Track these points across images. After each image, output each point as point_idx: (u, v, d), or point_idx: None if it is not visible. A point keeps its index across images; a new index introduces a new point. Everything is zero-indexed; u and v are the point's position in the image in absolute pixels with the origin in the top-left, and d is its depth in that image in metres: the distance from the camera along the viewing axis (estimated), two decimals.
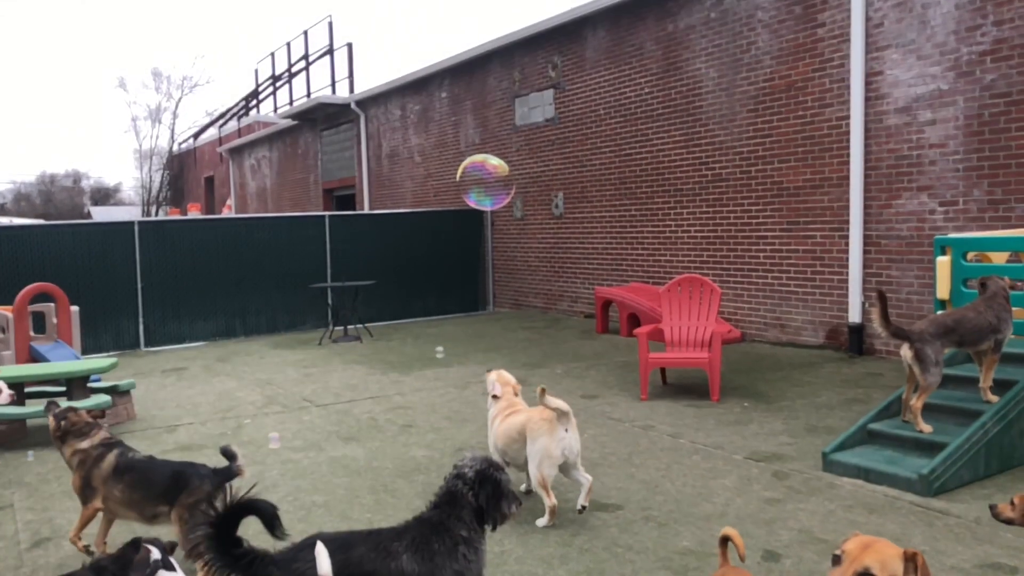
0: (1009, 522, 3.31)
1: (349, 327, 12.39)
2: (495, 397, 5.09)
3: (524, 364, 9.40)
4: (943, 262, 6.32)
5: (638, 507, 4.76)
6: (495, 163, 8.25)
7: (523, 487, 5.02)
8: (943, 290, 6.25)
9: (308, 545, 2.80)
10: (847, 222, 9.04)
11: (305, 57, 23.18)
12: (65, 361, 8.29)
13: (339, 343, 11.69)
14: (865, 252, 8.87)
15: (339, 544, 2.79)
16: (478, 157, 8.44)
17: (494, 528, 3.12)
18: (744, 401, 7.16)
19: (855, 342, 8.90)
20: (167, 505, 4.00)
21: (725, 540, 2.80)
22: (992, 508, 3.31)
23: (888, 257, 8.68)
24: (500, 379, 5.18)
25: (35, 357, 8.95)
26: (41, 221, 21.36)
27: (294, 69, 24.15)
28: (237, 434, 6.77)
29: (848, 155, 8.98)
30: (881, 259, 8.74)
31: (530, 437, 4.55)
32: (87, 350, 11.08)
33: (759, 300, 10.17)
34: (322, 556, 2.56)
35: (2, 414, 6.48)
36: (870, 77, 8.74)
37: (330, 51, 21.77)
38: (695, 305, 7.84)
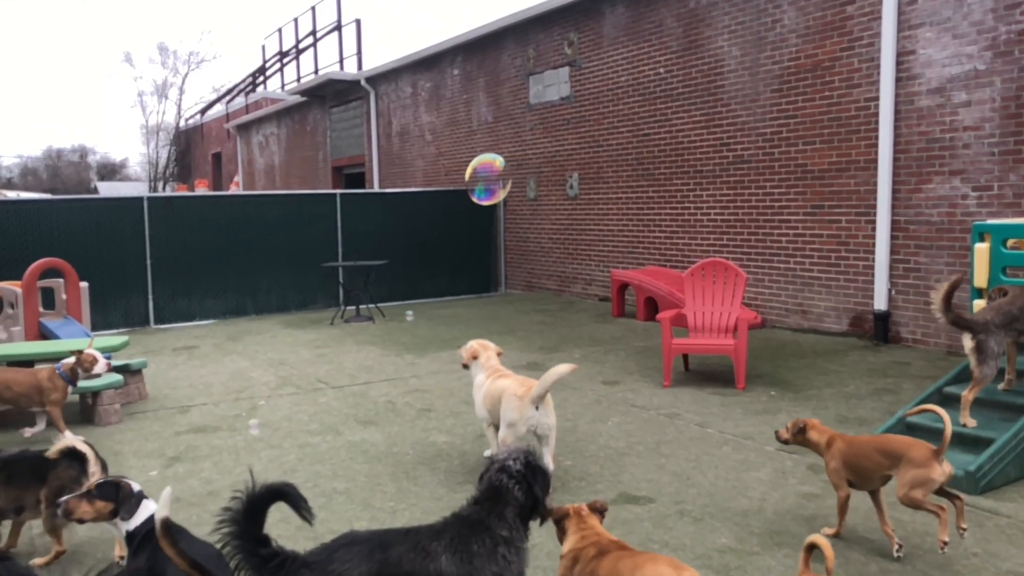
0: (786, 443, 4.22)
1: (361, 307, 12.22)
2: (465, 367, 5.31)
3: (540, 348, 9.22)
4: (981, 249, 6.11)
5: (671, 500, 4.60)
6: (501, 164, 8.44)
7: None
8: (981, 278, 6.05)
9: (342, 545, 2.64)
10: (874, 206, 8.82)
11: (313, 33, 22.88)
12: (75, 339, 8.14)
13: (351, 323, 11.52)
14: (892, 237, 8.65)
15: (376, 544, 2.63)
16: (486, 158, 8.55)
17: (543, 522, 2.98)
18: (771, 390, 6.99)
19: (880, 330, 8.70)
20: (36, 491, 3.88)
21: (811, 548, 2.60)
22: (776, 433, 4.29)
23: (916, 243, 8.46)
24: (481, 345, 5.28)
25: (44, 333, 8.81)
26: (49, 196, 21.18)
27: (302, 45, 23.86)
28: (252, 415, 6.61)
29: (876, 137, 8.73)
30: (909, 245, 8.52)
31: (503, 406, 4.73)
32: (96, 327, 10.94)
33: (780, 285, 9.96)
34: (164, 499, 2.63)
35: None
36: (901, 56, 8.48)
37: (338, 27, 21.48)
38: (719, 290, 7.65)
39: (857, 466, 3.93)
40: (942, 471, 3.70)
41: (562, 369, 4.54)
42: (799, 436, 4.15)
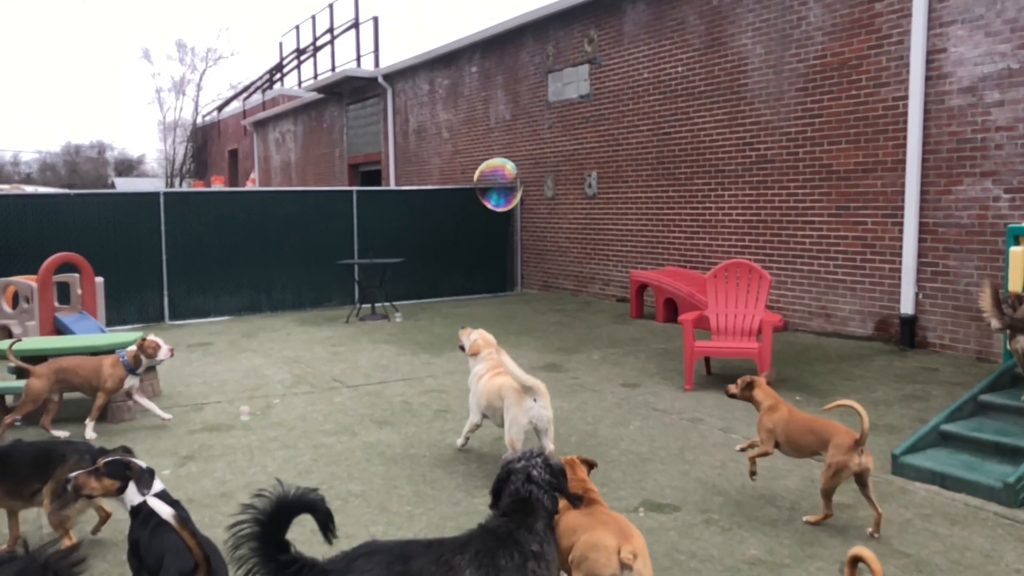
0: (733, 396, 4.66)
1: (376, 305, 12.12)
2: (468, 353, 5.43)
3: (558, 349, 9.09)
4: (1017, 252, 5.93)
5: (696, 509, 4.45)
6: (511, 168, 8.46)
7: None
8: (1016, 282, 5.87)
9: (362, 554, 2.52)
10: (901, 208, 8.62)
11: (330, 30, 22.80)
12: (90, 334, 8.08)
13: (366, 321, 11.42)
14: (920, 240, 8.45)
15: (397, 555, 2.51)
16: (496, 162, 8.57)
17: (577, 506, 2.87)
18: (795, 395, 6.81)
19: (907, 334, 8.50)
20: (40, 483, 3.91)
21: (855, 561, 2.46)
22: (726, 388, 4.74)
23: (945, 246, 8.25)
24: (483, 339, 5.40)
25: (60, 328, 8.76)
26: (66, 190, 21.24)
27: (319, 43, 23.80)
28: (267, 414, 6.52)
29: (905, 137, 8.53)
30: (938, 248, 8.32)
31: (504, 402, 4.82)
32: (111, 322, 10.91)
33: (804, 288, 9.77)
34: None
35: (10, 388, 6.25)
36: (932, 55, 8.27)
37: (355, 24, 21.38)
38: (743, 292, 7.49)
39: (790, 436, 4.33)
40: (859, 461, 3.98)
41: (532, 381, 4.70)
42: (746, 391, 4.59)
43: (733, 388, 4.67)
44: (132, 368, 5.97)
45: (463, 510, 4.46)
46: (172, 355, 6.21)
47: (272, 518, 2.46)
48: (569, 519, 2.93)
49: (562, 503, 2.94)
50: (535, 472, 2.76)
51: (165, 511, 2.95)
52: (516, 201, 8.51)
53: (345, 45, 32.32)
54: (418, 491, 4.77)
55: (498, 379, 5.00)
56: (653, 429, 5.95)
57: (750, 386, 4.58)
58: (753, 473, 4.51)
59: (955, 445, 4.95)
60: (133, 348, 6.00)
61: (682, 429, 5.93)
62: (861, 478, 4.02)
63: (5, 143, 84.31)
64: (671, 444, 5.58)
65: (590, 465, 3.44)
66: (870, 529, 4.04)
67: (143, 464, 3.31)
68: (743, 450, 4.68)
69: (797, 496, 4.61)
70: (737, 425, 5.99)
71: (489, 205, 8.79)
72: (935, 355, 8.19)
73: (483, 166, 8.57)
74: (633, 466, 5.15)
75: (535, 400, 4.71)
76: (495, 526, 2.66)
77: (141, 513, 3.13)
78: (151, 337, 6.12)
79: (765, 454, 4.45)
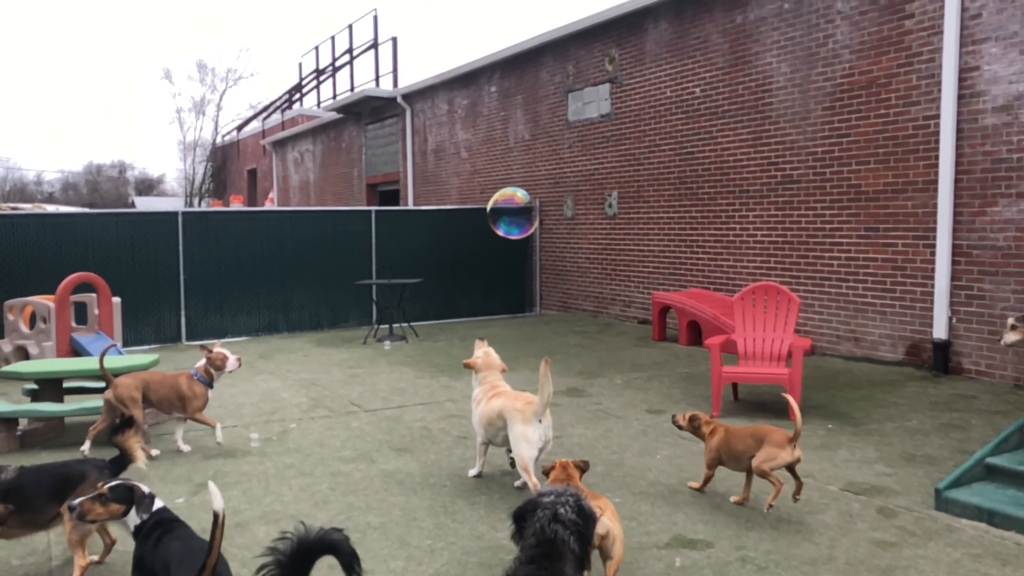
0: (680, 428, 5.11)
1: (394, 326, 11.98)
2: (463, 363, 5.51)
3: (579, 372, 8.90)
4: None
5: (731, 545, 4.24)
6: (522, 197, 9.11)
7: (509, 462, 5.26)
8: None
9: None
10: (933, 229, 8.40)
11: (349, 51, 22.92)
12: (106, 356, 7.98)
13: (384, 342, 11.28)
14: (954, 263, 8.21)
15: None
16: (508, 191, 8.87)
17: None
18: (828, 423, 6.58)
19: (940, 360, 8.25)
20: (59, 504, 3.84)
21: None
22: (673, 417, 5.22)
23: (980, 269, 8.01)
24: (484, 360, 5.39)
25: (76, 349, 8.68)
26: (85, 210, 21.36)
27: (338, 63, 23.92)
28: (283, 439, 6.37)
29: (936, 157, 8.33)
30: (972, 271, 8.08)
31: (508, 423, 4.83)
32: (128, 342, 10.83)
33: (831, 311, 9.54)
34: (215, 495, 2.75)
35: (38, 412, 6.15)
36: (964, 73, 8.08)
37: (375, 45, 21.48)
38: (771, 316, 7.28)
39: (732, 449, 4.75)
40: (791, 454, 4.51)
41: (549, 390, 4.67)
42: (692, 428, 5.05)
43: (681, 421, 5.09)
44: (208, 382, 6.03)
45: (486, 544, 4.27)
46: (240, 365, 6.19)
47: (294, 560, 2.37)
48: None
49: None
50: (562, 511, 2.58)
51: (216, 504, 2.82)
52: (532, 230, 8.77)
53: (364, 65, 32.52)
54: (439, 523, 4.59)
55: (496, 401, 5.01)
56: (681, 459, 5.74)
57: (697, 428, 5.01)
58: (701, 489, 5.03)
59: (1002, 479, 4.71)
60: (202, 363, 6.03)
61: None
62: (792, 468, 4.57)
63: (29, 163, 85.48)
64: (701, 475, 5.36)
65: (582, 469, 3.98)
66: (795, 495, 4.60)
67: (145, 488, 3.38)
68: (699, 489, 5.04)
69: (836, 532, 4.39)
70: None
71: (500, 233, 8.91)
72: (970, 382, 7.93)
73: (496, 196, 8.79)
74: (662, 498, 4.94)
75: (540, 420, 4.73)
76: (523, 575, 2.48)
77: (143, 531, 3.24)
78: (218, 348, 6.11)
79: (709, 478, 4.99)
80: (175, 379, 6.00)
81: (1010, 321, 5.72)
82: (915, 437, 6.15)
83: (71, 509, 3.29)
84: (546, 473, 3.98)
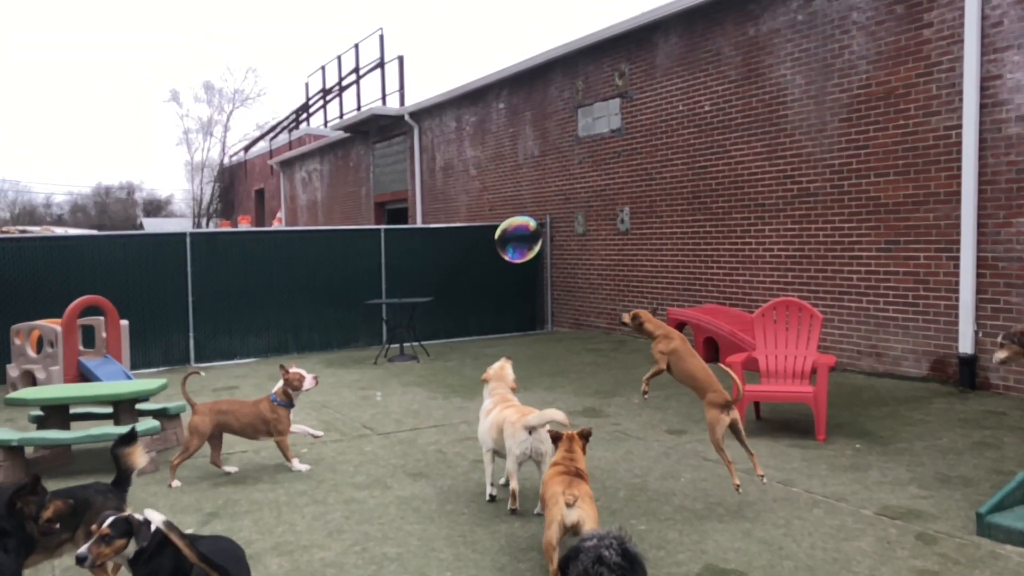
0: (625, 325, 5.35)
1: (405, 345, 11.82)
2: (487, 381, 5.52)
3: (595, 392, 8.70)
4: None
5: (765, 575, 4.03)
6: (534, 225, 9.48)
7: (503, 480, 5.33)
8: None
9: None
10: (957, 242, 8.21)
11: (356, 70, 22.92)
12: (113, 380, 7.84)
13: (395, 362, 11.12)
14: (979, 275, 8.02)
15: None
16: (519, 220, 9.27)
17: None
18: (855, 442, 6.37)
19: (966, 375, 8.03)
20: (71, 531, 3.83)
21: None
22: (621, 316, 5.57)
23: (1007, 281, 7.81)
24: (503, 370, 5.52)
25: (84, 373, 8.54)
26: (92, 232, 21.32)
27: (345, 82, 23.91)
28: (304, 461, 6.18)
29: (958, 168, 8.15)
30: (998, 283, 7.88)
31: (505, 433, 4.97)
32: (136, 365, 10.70)
33: (852, 326, 9.33)
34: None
35: (43, 440, 6.00)
36: (986, 82, 7.92)
37: (381, 64, 21.47)
38: (793, 332, 7.09)
39: (678, 366, 5.07)
40: (728, 416, 4.83)
41: (558, 416, 4.68)
42: (635, 325, 5.25)
43: (626, 318, 5.29)
44: (288, 404, 5.96)
45: None
46: (317, 383, 6.09)
47: None
48: (549, 474, 4.04)
49: (551, 472, 4.00)
50: (606, 553, 2.41)
51: (156, 518, 3.10)
52: (531, 255, 9.02)
53: (371, 84, 32.62)
54: (458, 554, 4.40)
55: (502, 413, 5.11)
56: (706, 482, 5.54)
57: (640, 326, 5.20)
58: (645, 392, 5.31)
59: None
60: (279, 386, 5.95)
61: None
62: (734, 426, 4.85)
63: (38, 185, 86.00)
64: (728, 499, 5.16)
65: (585, 438, 4.25)
66: (760, 473, 4.88)
67: (139, 516, 3.35)
68: (644, 393, 5.33)
69: (875, 560, 4.18)
70: (797, 477, 5.57)
71: (507, 257, 9.30)
72: (999, 397, 7.71)
73: (506, 223, 9.15)
74: (689, 524, 4.74)
75: (530, 433, 4.81)
76: None
77: (140, 558, 3.25)
78: (294, 369, 6.02)
79: (659, 372, 5.16)
80: (256, 405, 5.98)
81: (999, 339, 5.38)
82: (947, 456, 5.93)
83: (81, 560, 3.20)
84: (554, 441, 4.30)
